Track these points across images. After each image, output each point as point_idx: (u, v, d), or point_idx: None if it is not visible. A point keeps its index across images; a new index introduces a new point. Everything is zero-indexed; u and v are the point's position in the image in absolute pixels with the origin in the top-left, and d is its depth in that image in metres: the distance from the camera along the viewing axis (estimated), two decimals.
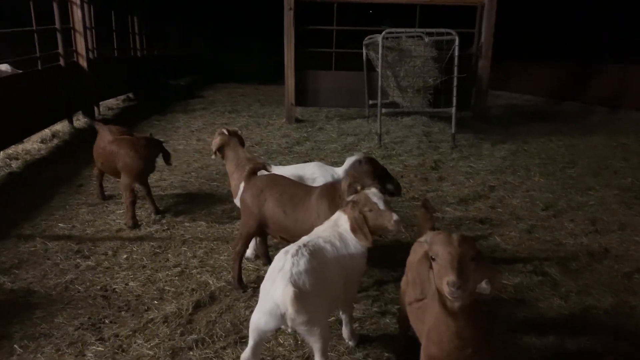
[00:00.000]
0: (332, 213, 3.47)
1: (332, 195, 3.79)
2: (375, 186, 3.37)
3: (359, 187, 3.58)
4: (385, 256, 4.75)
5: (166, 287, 4.25)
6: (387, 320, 3.79)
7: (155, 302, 4.02)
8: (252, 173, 4.29)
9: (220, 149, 4.92)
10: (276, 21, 11.95)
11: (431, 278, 2.27)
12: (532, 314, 3.91)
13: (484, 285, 2.27)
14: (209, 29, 27.43)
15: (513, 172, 7.77)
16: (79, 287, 4.23)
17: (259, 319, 2.79)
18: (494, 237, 5.36)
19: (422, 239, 2.37)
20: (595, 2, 17.02)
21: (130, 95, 15.39)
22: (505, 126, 11.39)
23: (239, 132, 5.08)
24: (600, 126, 11.60)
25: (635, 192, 6.73)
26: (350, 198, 3.32)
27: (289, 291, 2.61)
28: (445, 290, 2.13)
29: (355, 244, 3.22)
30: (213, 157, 5.06)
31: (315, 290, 2.78)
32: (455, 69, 9.11)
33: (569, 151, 9.20)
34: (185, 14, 25.19)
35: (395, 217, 3.15)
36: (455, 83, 9.11)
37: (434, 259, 2.24)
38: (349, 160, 4.55)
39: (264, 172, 4.46)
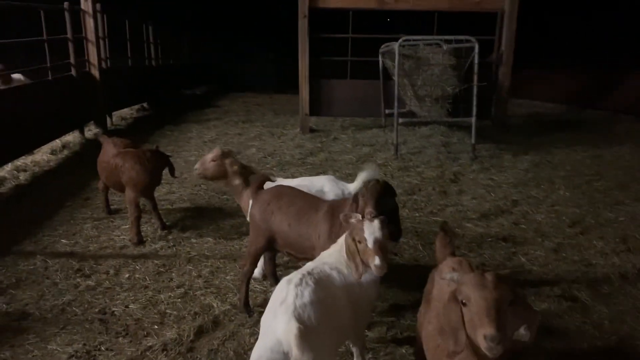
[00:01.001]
0: (333, 235, 3.17)
1: (335, 216, 3.48)
2: (377, 217, 2.95)
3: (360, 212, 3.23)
4: (402, 277, 4.46)
5: (168, 310, 4.00)
6: (404, 351, 3.49)
7: (156, 327, 3.78)
8: (259, 186, 4.05)
9: (220, 173, 4.65)
10: (291, 29, 11.72)
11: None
12: (562, 345, 3.59)
13: (522, 332, 1.95)
14: (225, 38, 27.42)
15: (536, 185, 7.41)
16: (77, 310, 4.00)
17: (260, 357, 2.50)
18: (518, 256, 5.03)
19: (447, 275, 2.07)
20: (617, 7, 16.55)
21: (145, 105, 15.31)
22: (527, 136, 11.01)
23: (233, 151, 4.78)
24: (626, 135, 11.16)
25: None
26: (349, 222, 2.99)
27: (293, 327, 2.34)
28: (482, 345, 1.83)
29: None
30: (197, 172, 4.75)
31: (322, 325, 2.50)
32: (475, 77, 8.79)
33: (594, 162, 8.80)
34: (200, 22, 25.18)
35: (377, 261, 2.72)
36: (475, 92, 8.79)
37: (464, 304, 1.94)
38: (361, 176, 4.27)
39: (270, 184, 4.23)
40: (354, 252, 2.83)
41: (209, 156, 4.68)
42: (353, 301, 2.84)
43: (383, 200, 3.34)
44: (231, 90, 21.48)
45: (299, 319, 2.40)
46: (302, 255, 3.67)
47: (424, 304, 2.82)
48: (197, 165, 4.75)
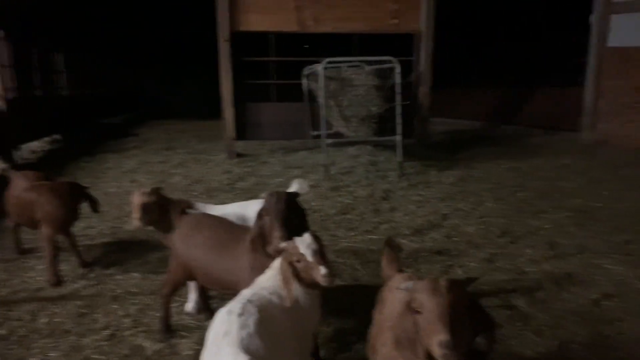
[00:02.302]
0: (257, 265, 3.01)
1: (260, 243, 3.21)
2: (310, 232, 2.85)
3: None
4: (343, 299, 4.33)
5: (94, 356, 3.64)
6: None
7: None
8: (182, 212, 3.82)
9: (150, 218, 4.14)
10: (214, 54, 11.51)
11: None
12: (506, 354, 3.59)
13: (479, 340, 1.89)
14: (145, 65, 26.66)
15: (463, 198, 7.59)
16: None
17: None
18: (454, 269, 5.06)
19: (402, 285, 1.98)
20: (527, 27, 17.75)
21: (57, 136, 14.45)
22: (449, 152, 11.37)
23: (161, 188, 4.40)
24: (541, 148, 11.77)
25: (587, 212, 6.66)
26: (280, 245, 2.87)
27: None
28: (437, 352, 1.74)
29: (304, 293, 2.78)
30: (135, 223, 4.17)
31: (270, 354, 2.31)
32: (398, 96, 8.97)
33: (515, 174, 9.18)
34: (118, 49, 24.30)
35: (323, 270, 2.64)
36: (399, 111, 8.96)
37: (418, 312, 1.85)
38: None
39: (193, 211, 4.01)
40: (288, 279, 2.69)
41: (143, 199, 4.07)
42: (296, 325, 2.69)
43: (289, 214, 3.17)
44: (151, 117, 20.83)
45: (247, 351, 2.20)
46: (227, 290, 3.40)
47: (374, 326, 2.70)
48: (138, 216, 4.06)
